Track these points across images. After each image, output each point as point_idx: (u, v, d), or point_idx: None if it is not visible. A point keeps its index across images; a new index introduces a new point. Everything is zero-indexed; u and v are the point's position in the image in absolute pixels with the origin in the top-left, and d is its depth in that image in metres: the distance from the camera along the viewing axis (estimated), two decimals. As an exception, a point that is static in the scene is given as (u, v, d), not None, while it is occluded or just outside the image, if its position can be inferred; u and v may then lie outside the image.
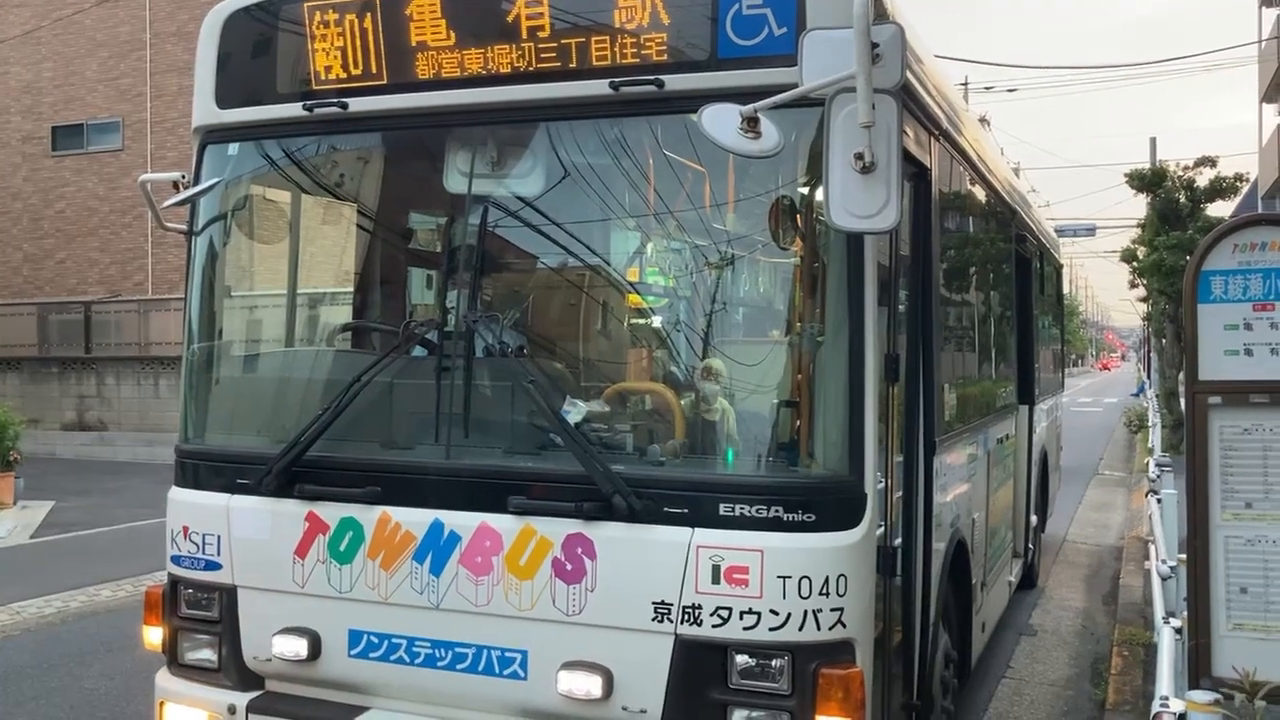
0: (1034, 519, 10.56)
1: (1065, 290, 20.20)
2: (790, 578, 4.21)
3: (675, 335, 5.03)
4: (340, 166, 5.25)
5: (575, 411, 4.60)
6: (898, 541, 5.14)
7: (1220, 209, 26.66)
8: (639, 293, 5.08)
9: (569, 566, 4.42)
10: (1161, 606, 6.86)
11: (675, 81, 4.43)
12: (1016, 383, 9.29)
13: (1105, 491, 19.43)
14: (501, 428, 4.80)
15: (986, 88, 49.49)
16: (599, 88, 4.53)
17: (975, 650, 6.84)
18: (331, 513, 4.79)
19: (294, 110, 5.05)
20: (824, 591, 4.23)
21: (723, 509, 4.26)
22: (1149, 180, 26.81)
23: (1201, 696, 4.55)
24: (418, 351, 4.94)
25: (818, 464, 4.41)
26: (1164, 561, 7.33)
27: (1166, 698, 4.66)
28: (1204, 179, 26.04)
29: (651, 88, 4.46)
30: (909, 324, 5.37)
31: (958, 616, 6.39)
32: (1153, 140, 36.63)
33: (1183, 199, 26.16)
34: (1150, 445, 20.93)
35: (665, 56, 4.46)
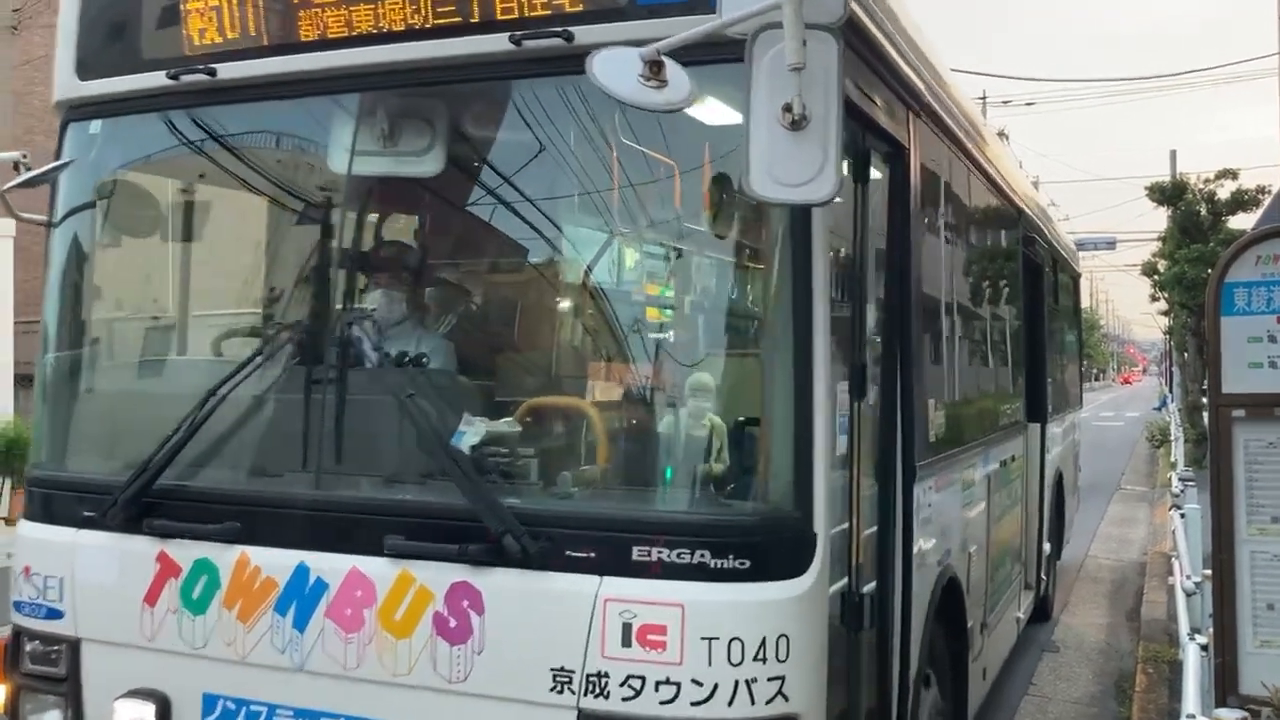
0: (1047, 547, 9.50)
1: (1085, 303, 19.07)
2: (717, 639, 3.28)
3: (596, 342, 4.10)
4: (211, 145, 4.34)
5: (471, 432, 3.70)
6: (869, 587, 4.20)
7: (1242, 221, 25.92)
8: (554, 290, 4.17)
9: (452, 623, 3.50)
10: (1186, 623, 6.45)
11: (586, 34, 3.53)
12: (1025, 399, 8.29)
13: (1128, 507, 18.71)
14: (381, 453, 3.89)
15: (1004, 101, 48.55)
16: (499, 43, 3.64)
17: (973, 704, 5.85)
18: (185, 553, 3.90)
19: (160, 80, 4.17)
20: (760, 656, 3.30)
21: (636, 553, 3.34)
22: (1170, 193, 26.21)
23: (1228, 715, 4.25)
24: (290, 361, 4.01)
25: (755, 498, 3.47)
26: (1188, 577, 6.92)
27: (1193, 716, 4.38)
28: (1225, 191, 25.64)
29: (559, 41, 3.55)
30: (885, 331, 4.44)
31: (951, 665, 5.41)
32: (1173, 153, 35.49)
33: (1204, 211, 25.72)
34: (1173, 460, 20.20)
35: (574, 5, 3.56)
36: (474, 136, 3.96)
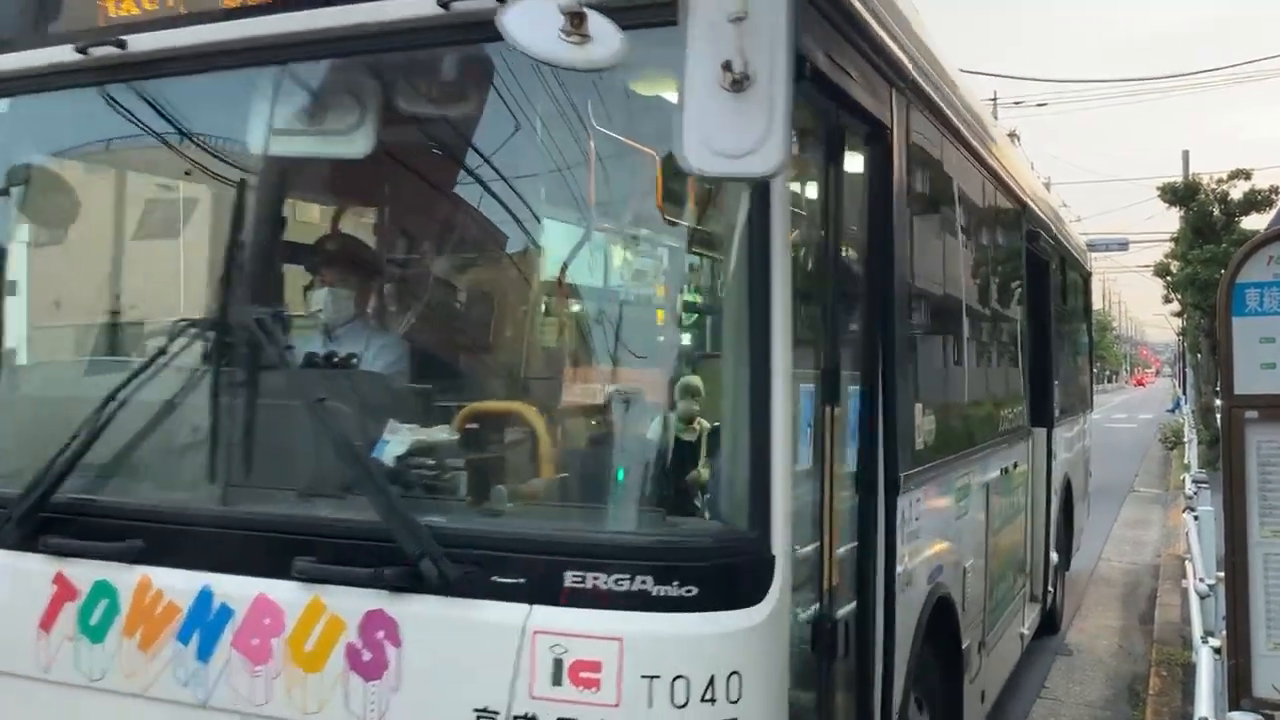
0: (1055, 557, 9.03)
1: (1097, 305, 18.58)
2: (659, 678, 2.86)
3: (538, 342, 3.68)
4: (124, 126, 3.92)
5: (395, 442, 3.29)
6: (846, 611, 3.77)
7: (1255, 222, 25.85)
8: (492, 284, 3.75)
9: (366, 656, 3.09)
10: (1200, 626, 6.54)
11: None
12: (1029, 403, 7.84)
13: (1141, 509, 18.38)
14: (294, 465, 3.48)
15: (1016, 102, 47.82)
16: (425, 6, 3.22)
17: (971, 728, 5.43)
18: (84, 573, 3.49)
19: (66, 55, 3.77)
20: (708, 697, 2.88)
21: (569, 579, 2.93)
22: (1182, 194, 26.23)
23: (1242, 718, 4.32)
24: (199, 363, 3.58)
25: (705, 516, 3.05)
26: (1201, 580, 6.95)
27: (1206, 719, 4.38)
28: (1238, 192, 25.62)
29: (490, 2, 3.13)
30: (866, 330, 4.02)
31: (944, 689, 4.98)
32: (1185, 153, 34.91)
33: (1216, 212, 25.65)
34: (1186, 461, 20.03)
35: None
36: (404, 112, 3.55)
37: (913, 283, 4.52)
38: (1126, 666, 8.90)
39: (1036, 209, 8.12)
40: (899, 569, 4.10)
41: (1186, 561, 9.77)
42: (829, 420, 3.56)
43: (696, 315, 3.23)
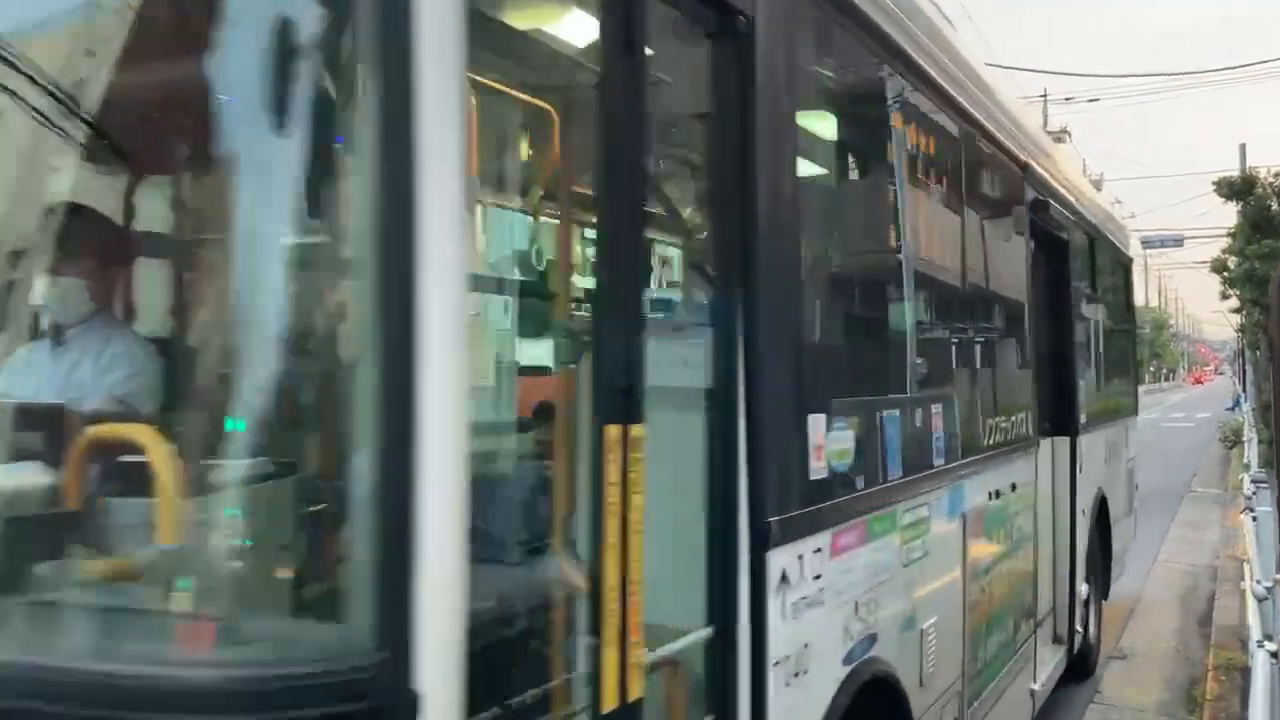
0: (1084, 589, 7.53)
1: (1154, 302, 16.91)
2: None
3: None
4: None
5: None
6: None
7: None
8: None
9: None
10: (1257, 629, 6.39)
11: None
12: (1038, 408, 6.41)
13: (1199, 509, 17.56)
14: None
15: (1066, 99, 46.20)
16: None
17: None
18: None
19: None
20: None
21: None
22: (1238, 188, 24.61)
23: None
24: None
25: (302, 631, 1.73)
26: (1259, 582, 6.79)
27: None
28: None
29: None
30: (719, 310, 2.69)
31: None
32: (1242, 146, 33.42)
33: (1275, 205, 24.01)
34: (1246, 461, 19.17)
35: None
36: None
37: (805, 239, 3.16)
38: (1184, 670, 8.50)
39: (1044, 172, 6.61)
40: (778, 658, 2.75)
41: (1245, 563, 9.52)
42: (620, 447, 2.23)
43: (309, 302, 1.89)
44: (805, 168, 3.25)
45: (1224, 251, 29.36)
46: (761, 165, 2.78)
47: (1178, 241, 46.03)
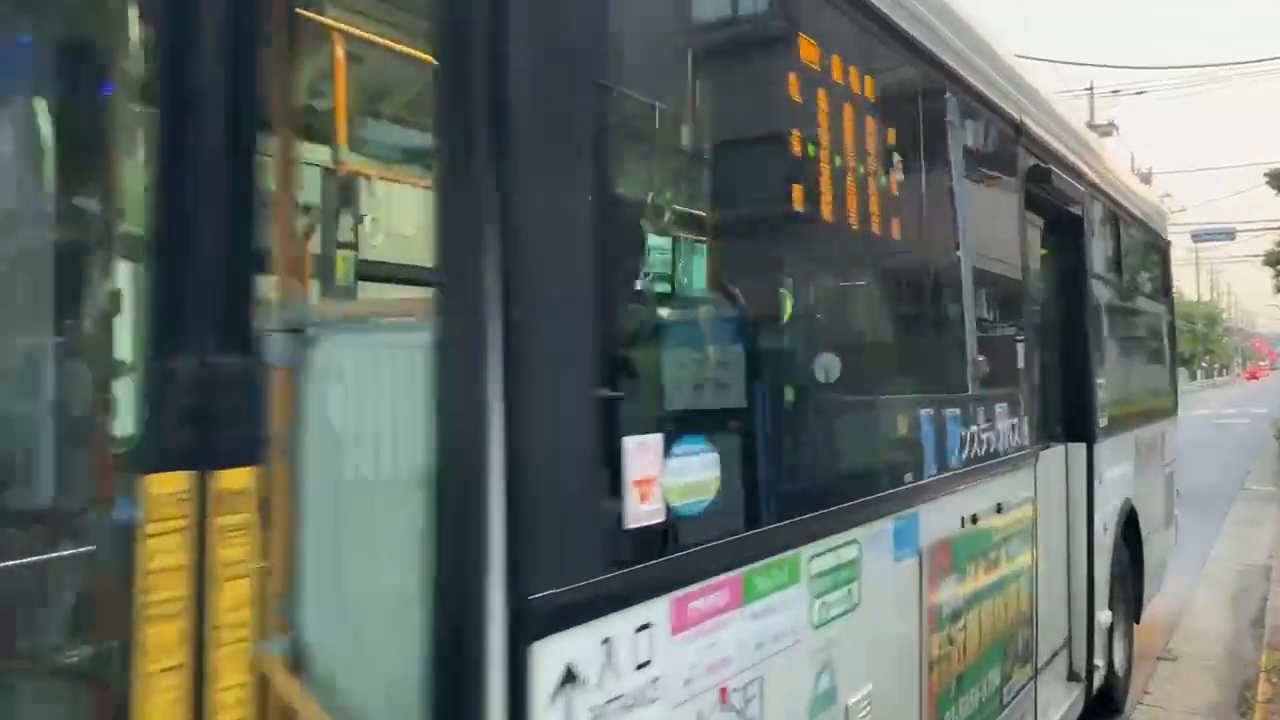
0: (1105, 617, 6.45)
1: (1206, 296, 15.64)
2: None
3: None
4: None
5: None
6: None
7: None
8: None
9: None
10: None
11: None
12: (1041, 410, 5.39)
13: (1253, 508, 16.94)
14: None
15: (1114, 91, 44.97)
16: None
17: None
18: None
19: None
20: None
21: None
22: None
23: None
24: None
25: None
26: None
27: None
28: None
29: None
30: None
31: None
32: (1294, 136, 31.79)
33: None
34: None
35: None
36: None
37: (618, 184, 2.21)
38: (1235, 671, 8.24)
39: (1045, 134, 5.57)
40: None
41: (1300, 563, 9.27)
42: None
43: None
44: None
45: (1278, 244, 28.66)
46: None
47: (1229, 234, 44.95)
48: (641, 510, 2.10)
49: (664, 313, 2.69)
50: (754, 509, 2.60)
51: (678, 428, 2.27)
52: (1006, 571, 4.50)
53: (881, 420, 3.43)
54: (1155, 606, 8.55)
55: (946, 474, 3.80)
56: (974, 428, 4.15)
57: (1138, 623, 7.85)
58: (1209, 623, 9.80)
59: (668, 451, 2.20)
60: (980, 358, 4.33)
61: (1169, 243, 10.46)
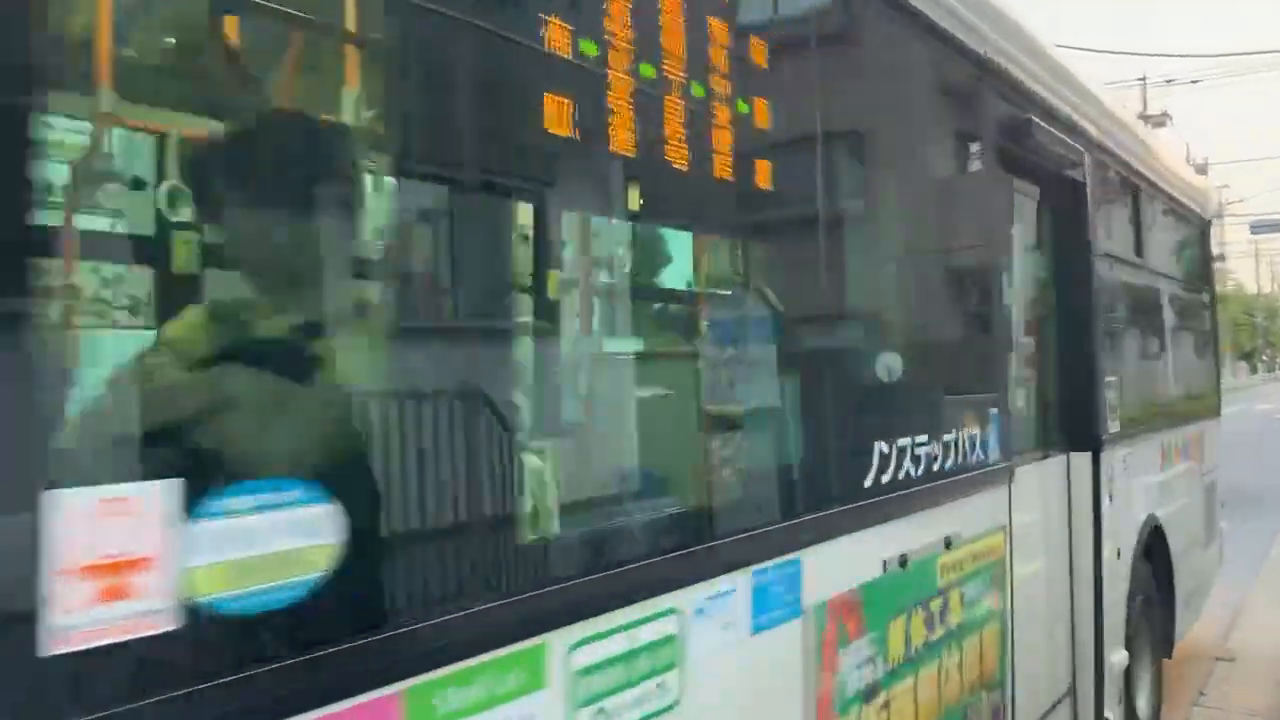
0: (1119, 657, 5.39)
1: (1265, 288, 14.35)
2: None
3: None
4: None
5: None
6: None
7: None
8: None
9: None
10: None
11: None
12: (1032, 414, 4.38)
13: None
14: None
15: (1167, 81, 43.52)
16: None
17: None
18: None
19: None
20: None
21: None
22: None
23: None
24: None
25: None
26: None
27: None
28: None
29: None
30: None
31: None
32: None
33: None
34: None
35: None
36: None
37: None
38: None
39: (1020, 74, 4.37)
40: None
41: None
42: None
43: None
44: None
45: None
46: None
47: (1289, 225, 43.44)
48: (105, 615, 1.18)
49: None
50: (434, 592, 1.66)
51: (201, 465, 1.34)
52: (962, 621, 3.50)
53: (720, 430, 2.47)
54: (1210, 608, 8.10)
55: (851, 505, 2.82)
56: (904, 439, 3.15)
57: (1168, 658, 6.78)
58: (1268, 622, 9.28)
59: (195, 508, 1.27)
60: (912, 346, 3.34)
61: (1209, 221, 9.26)
